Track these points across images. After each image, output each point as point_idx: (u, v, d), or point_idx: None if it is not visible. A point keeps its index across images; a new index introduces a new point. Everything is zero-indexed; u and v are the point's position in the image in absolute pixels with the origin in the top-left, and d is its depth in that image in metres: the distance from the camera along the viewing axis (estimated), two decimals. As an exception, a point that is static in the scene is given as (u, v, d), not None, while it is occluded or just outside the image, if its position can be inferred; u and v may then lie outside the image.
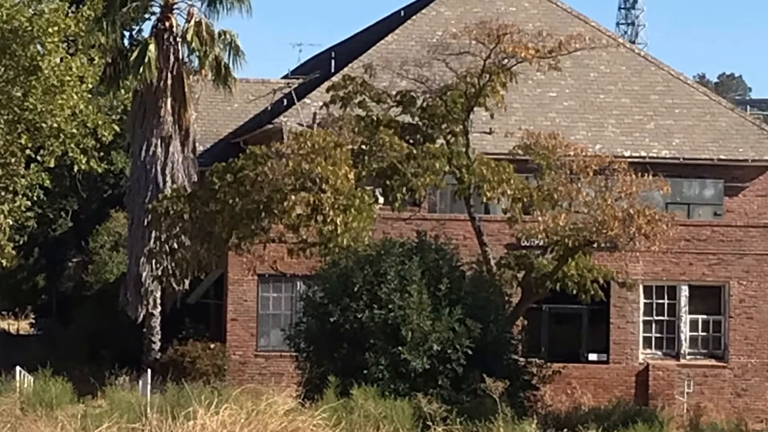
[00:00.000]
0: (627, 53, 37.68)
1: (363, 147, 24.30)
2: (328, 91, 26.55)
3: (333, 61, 39.00)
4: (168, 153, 30.31)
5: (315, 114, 29.41)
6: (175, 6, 31.75)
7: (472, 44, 24.64)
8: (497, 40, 23.76)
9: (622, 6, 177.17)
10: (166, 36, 31.09)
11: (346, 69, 31.84)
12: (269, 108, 36.97)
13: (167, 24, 31.32)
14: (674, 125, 34.05)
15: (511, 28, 24.21)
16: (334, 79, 28.91)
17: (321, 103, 27.75)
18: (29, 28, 30.51)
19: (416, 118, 25.36)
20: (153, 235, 27.87)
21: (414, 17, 37.49)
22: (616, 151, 29.67)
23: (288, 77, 43.31)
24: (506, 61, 24.47)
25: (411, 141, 24.62)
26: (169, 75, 30.70)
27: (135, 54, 30.60)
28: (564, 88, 34.35)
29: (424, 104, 25.26)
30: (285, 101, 35.53)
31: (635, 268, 29.03)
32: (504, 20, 26.01)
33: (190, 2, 31.60)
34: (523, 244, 26.71)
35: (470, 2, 37.15)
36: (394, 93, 25.62)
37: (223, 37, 31.34)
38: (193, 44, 30.53)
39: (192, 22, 30.70)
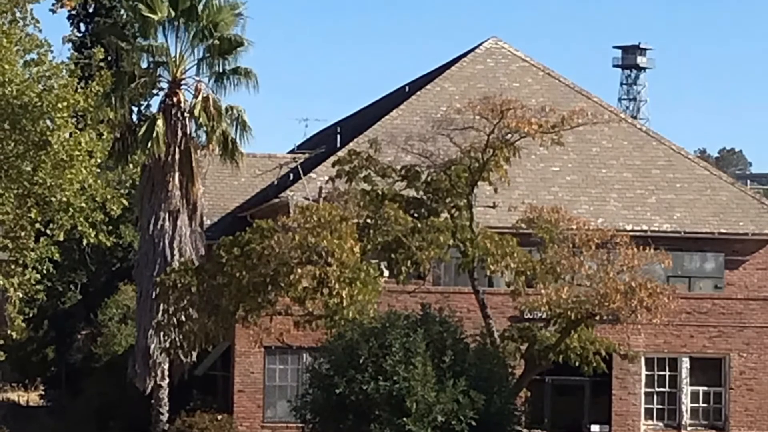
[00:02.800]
0: (629, 128, 38.11)
1: (368, 221, 24.49)
2: (333, 165, 26.76)
3: (338, 136, 39.47)
4: (176, 227, 30.48)
5: (321, 188, 29.78)
6: (182, 82, 32.11)
7: (476, 119, 24.90)
8: (501, 115, 24.01)
9: (624, 82, 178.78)
10: (173, 111, 31.34)
11: (351, 144, 32.12)
12: (276, 182, 37.40)
13: (175, 99, 31.61)
14: (675, 199, 34.38)
15: (515, 104, 24.42)
16: (340, 153, 29.14)
17: (327, 178, 27.98)
18: (39, 104, 30.72)
19: (421, 193, 25.54)
20: (161, 307, 27.93)
21: (418, 93, 37.99)
22: (618, 225, 29.86)
23: (294, 152, 43.85)
24: (509, 136, 24.64)
25: (415, 215, 24.78)
26: (177, 150, 30.90)
27: (143, 129, 30.88)
28: (566, 162, 34.69)
29: (429, 179, 25.42)
30: (291, 176, 35.93)
31: (637, 341, 29.06)
32: (507, 96, 26.33)
33: (197, 78, 31.97)
34: (526, 317, 26.70)
35: (474, 78, 37.67)
36: (398, 167, 25.83)
37: (230, 112, 31.65)
38: (201, 119, 30.74)
39: (199, 98, 30.99)
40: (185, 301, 25.70)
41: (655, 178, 35.22)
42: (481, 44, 39.96)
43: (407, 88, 41.51)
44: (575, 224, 25.19)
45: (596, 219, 30.44)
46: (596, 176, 35.03)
